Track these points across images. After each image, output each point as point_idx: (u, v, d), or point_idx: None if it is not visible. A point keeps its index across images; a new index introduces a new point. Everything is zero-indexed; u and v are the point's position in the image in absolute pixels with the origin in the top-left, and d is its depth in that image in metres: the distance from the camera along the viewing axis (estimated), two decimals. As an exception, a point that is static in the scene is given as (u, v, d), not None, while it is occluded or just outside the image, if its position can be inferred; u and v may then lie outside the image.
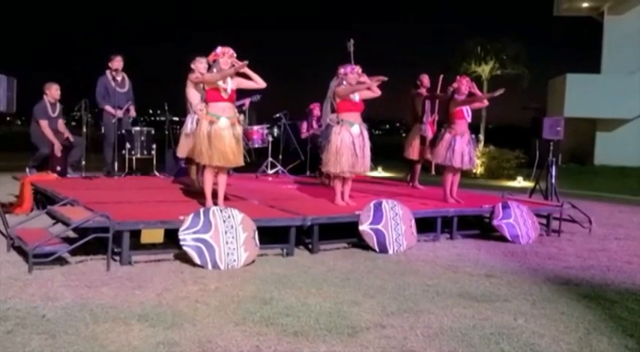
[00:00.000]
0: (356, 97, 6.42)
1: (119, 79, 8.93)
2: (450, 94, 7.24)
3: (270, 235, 5.49)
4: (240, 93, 8.21)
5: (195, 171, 7.62)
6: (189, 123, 7.04)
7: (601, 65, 20.64)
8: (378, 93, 6.53)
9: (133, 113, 9.12)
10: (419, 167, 9.10)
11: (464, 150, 7.03)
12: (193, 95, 7.05)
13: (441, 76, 8.37)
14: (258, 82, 5.92)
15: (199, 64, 6.80)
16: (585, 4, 21.38)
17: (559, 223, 7.16)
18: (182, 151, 7.21)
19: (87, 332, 3.32)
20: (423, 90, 8.72)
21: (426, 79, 8.78)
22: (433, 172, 8.60)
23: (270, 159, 10.29)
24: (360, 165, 6.35)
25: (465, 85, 7.16)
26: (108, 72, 8.90)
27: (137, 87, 9.25)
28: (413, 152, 8.77)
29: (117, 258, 4.89)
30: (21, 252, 4.96)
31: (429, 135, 8.45)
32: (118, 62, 8.90)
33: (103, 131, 9.04)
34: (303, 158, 10.46)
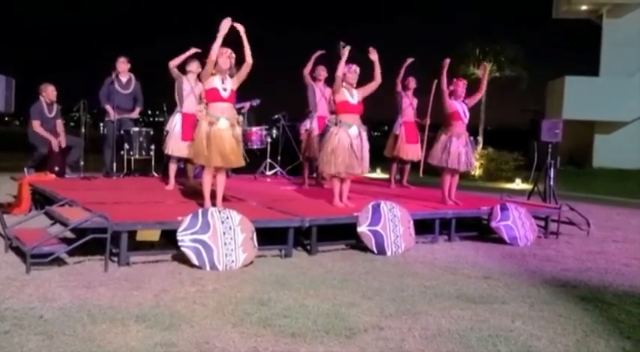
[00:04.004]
0: (355, 98, 6.43)
1: (124, 80, 8.93)
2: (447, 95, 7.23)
3: (268, 236, 5.48)
4: (240, 96, 8.23)
5: (191, 170, 7.64)
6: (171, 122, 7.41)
7: (599, 67, 20.67)
8: (378, 80, 6.54)
9: (134, 115, 9.11)
10: (407, 167, 9.33)
11: (460, 151, 7.01)
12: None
13: (435, 81, 8.42)
14: (248, 57, 5.79)
15: (190, 68, 7.19)
16: (584, 7, 21.41)
17: (557, 225, 7.15)
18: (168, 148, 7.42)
19: (84, 333, 3.32)
20: (402, 93, 8.98)
21: (409, 82, 9.00)
22: (421, 174, 8.61)
23: (268, 160, 10.29)
24: (357, 166, 6.36)
25: (461, 87, 7.17)
26: (114, 73, 8.92)
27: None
28: (386, 150, 9.21)
29: (115, 258, 4.89)
30: (19, 252, 4.95)
31: (402, 133, 8.89)
32: (121, 63, 8.90)
33: (103, 131, 9.04)
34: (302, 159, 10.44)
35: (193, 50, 7.09)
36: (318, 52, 8.26)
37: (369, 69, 6.50)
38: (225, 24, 5.57)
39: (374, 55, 6.48)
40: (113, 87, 8.82)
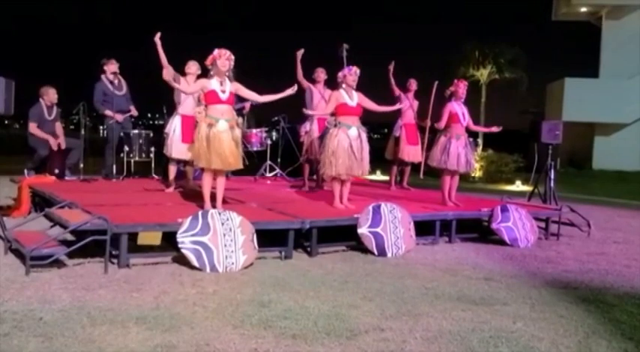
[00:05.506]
0: (354, 100, 6.43)
1: (116, 82, 8.92)
2: (447, 98, 7.24)
3: (268, 238, 5.47)
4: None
5: (191, 172, 7.63)
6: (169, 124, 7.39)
7: (599, 69, 20.69)
8: (379, 110, 6.83)
9: (134, 112, 9.12)
10: (407, 169, 9.31)
11: (460, 153, 7.01)
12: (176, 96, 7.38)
13: (436, 83, 8.40)
14: (265, 98, 6.16)
15: (189, 70, 7.18)
16: (583, 9, 21.44)
17: (558, 227, 7.14)
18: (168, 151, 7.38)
19: (84, 335, 3.31)
20: (403, 95, 8.95)
21: (410, 84, 9.02)
22: (422, 176, 8.60)
23: (268, 162, 10.29)
24: (357, 167, 6.35)
25: (462, 88, 7.17)
26: (104, 77, 8.87)
27: (135, 90, 9.23)
28: (387, 152, 9.25)
29: (114, 260, 4.88)
30: (18, 254, 4.94)
31: (403, 135, 8.93)
32: (113, 65, 8.88)
33: (105, 134, 9.04)
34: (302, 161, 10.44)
35: (158, 36, 6.89)
36: (299, 53, 8.20)
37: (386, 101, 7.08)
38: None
39: (399, 105, 7.65)
40: (108, 89, 8.79)
